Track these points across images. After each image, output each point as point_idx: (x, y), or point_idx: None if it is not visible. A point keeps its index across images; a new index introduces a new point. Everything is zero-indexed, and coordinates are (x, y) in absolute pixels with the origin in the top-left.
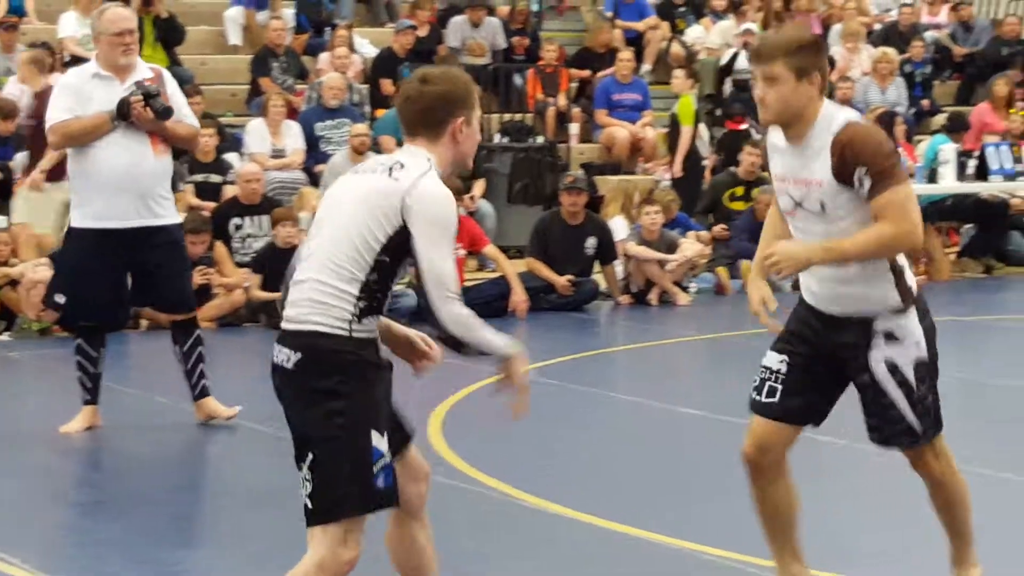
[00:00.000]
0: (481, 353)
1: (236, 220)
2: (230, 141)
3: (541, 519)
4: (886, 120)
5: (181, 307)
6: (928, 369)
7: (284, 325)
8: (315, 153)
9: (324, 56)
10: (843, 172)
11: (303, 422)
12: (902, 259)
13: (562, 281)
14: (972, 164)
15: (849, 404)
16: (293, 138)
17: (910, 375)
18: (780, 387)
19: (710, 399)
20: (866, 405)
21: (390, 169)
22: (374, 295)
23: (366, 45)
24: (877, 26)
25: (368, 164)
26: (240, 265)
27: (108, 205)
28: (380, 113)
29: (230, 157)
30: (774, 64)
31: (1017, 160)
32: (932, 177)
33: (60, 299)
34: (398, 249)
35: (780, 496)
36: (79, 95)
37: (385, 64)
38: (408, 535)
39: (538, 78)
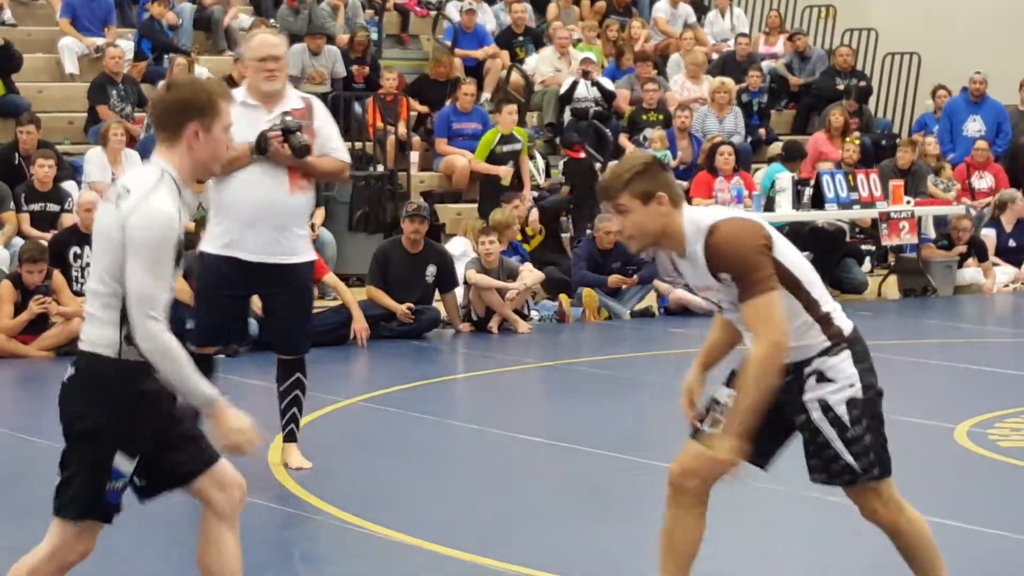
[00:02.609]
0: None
1: (75, 249)
2: (67, 170)
3: (380, 546)
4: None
5: (295, 350)
6: (864, 409)
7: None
8: None
9: (163, 84)
10: (716, 275)
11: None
12: (827, 305)
13: (402, 309)
14: (808, 192)
15: None
16: (132, 167)
17: (843, 413)
18: (723, 419)
19: (549, 426)
20: (805, 445)
21: (118, 197)
22: None
23: (205, 73)
24: (714, 56)
25: (112, 189)
26: (78, 294)
27: (240, 238)
28: None
29: (68, 186)
30: (620, 197)
31: (852, 188)
32: (769, 205)
33: (188, 324)
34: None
35: (686, 527)
36: None
37: None
38: (215, 539)
39: (378, 106)
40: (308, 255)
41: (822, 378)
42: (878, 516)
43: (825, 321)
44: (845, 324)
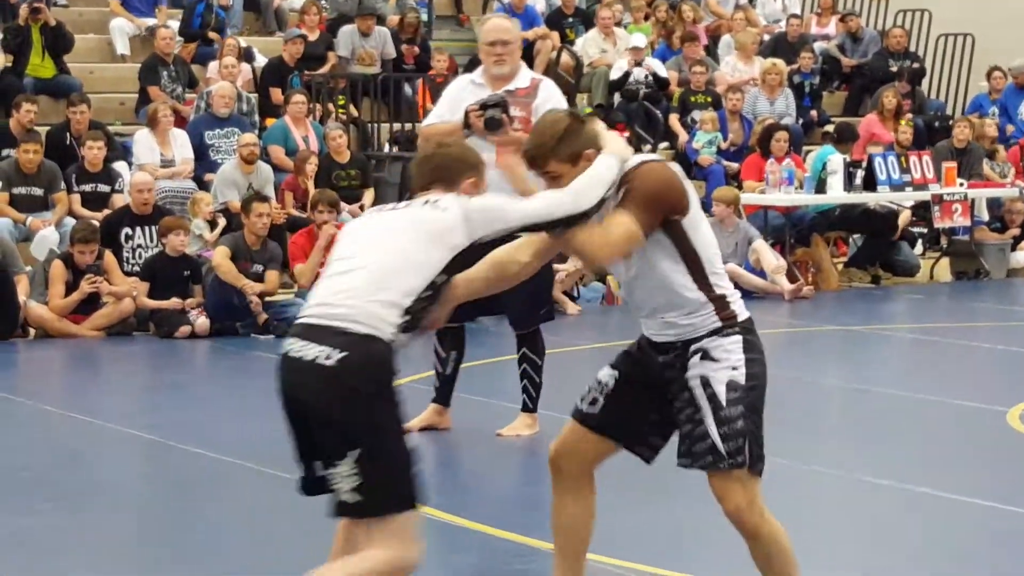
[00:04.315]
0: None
1: (127, 229)
2: (118, 150)
3: (435, 528)
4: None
5: (517, 325)
6: (744, 395)
7: (318, 320)
8: (204, 162)
9: (213, 65)
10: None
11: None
12: (724, 289)
13: None
14: (860, 174)
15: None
16: (181, 147)
17: (721, 392)
18: (602, 399)
19: None
20: (680, 427)
21: (424, 203)
22: (417, 314)
23: (255, 54)
24: (766, 37)
25: (387, 206)
26: (129, 275)
27: None
28: (269, 122)
29: (118, 166)
30: (548, 165)
31: (904, 170)
32: (820, 187)
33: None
34: (453, 270)
35: (574, 512)
36: (452, 102)
37: (274, 73)
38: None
39: (428, 88)
40: None
41: (707, 356)
42: (740, 515)
43: (719, 303)
44: (740, 311)
